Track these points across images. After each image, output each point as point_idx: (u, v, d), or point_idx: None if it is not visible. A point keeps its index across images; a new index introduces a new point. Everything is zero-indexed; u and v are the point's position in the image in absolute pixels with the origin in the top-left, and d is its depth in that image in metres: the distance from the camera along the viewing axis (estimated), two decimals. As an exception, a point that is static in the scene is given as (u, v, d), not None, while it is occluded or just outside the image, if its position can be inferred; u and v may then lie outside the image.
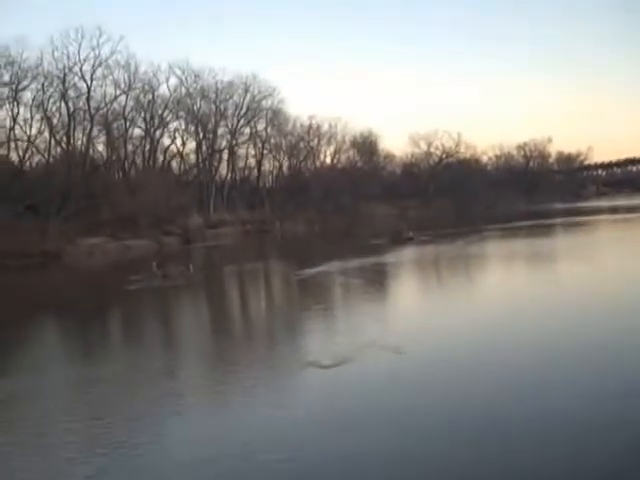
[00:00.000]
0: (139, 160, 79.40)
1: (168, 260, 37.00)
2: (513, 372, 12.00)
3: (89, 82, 69.07)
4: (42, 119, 65.85)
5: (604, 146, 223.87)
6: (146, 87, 76.54)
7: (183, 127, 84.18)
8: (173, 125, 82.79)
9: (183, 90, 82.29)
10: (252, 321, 21.77)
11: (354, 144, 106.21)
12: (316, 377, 12.40)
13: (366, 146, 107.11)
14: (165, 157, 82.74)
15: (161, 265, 32.76)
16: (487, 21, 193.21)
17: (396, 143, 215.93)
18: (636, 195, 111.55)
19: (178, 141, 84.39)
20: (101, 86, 71.04)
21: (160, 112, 79.08)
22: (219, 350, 15.95)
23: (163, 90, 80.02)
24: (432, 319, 17.60)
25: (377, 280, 28.36)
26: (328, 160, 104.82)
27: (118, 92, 72.91)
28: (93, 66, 69.03)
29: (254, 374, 12.99)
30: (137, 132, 78.37)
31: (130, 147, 77.32)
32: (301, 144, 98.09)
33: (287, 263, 40.74)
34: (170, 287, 28.40)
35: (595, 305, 18.23)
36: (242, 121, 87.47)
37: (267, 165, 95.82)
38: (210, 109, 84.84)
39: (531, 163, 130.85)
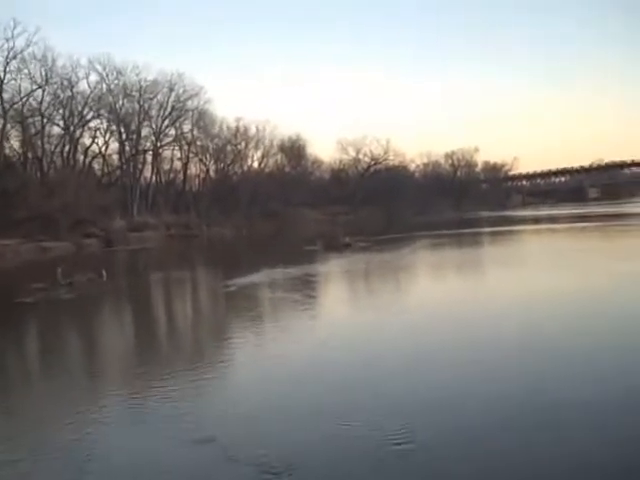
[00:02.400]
0: (58, 160, 75.40)
1: (80, 265, 33.31)
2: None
3: (2, 75, 65.75)
4: (-49, 112, 61.78)
5: (529, 157, 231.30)
6: (64, 82, 72.86)
7: (105, 126, 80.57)
8: (94, 124, 79.08)
9: (104, 87, 78.82)
10: (162, 357, 14.76)
11: (282, 148, 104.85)
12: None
13: (294, 151, 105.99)
14: (86, 157, 78.76)
15: (68, 272, 28.22)
16: (415, 26, 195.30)
17: (325, 149, 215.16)
18: (558, 205, 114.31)
19: (100, 141, 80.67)
20: (15, 79, 67.71)
21: (80, 109, 75.48)
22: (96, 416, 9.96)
23: (84, 87, 76.51)
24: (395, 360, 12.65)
25: (321, 297, 23.65)
26: (256, 164, 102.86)
27: (34, 87, 69.32)
28: (7, 58, 65.66)
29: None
30: (57, 130, 74.77)
31: (48, 145, 73.40)
32: (228, 147, 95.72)
33: (214, 271, 36.89)
34: (74, 299, 24.05)
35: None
36: (167, 122, 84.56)
37: (193, 169, 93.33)
38: (133, 108, 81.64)
39: (458, 172, 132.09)
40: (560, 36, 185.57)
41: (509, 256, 34.28)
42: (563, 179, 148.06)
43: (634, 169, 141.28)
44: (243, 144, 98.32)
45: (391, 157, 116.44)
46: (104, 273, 29.24)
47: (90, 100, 76.40)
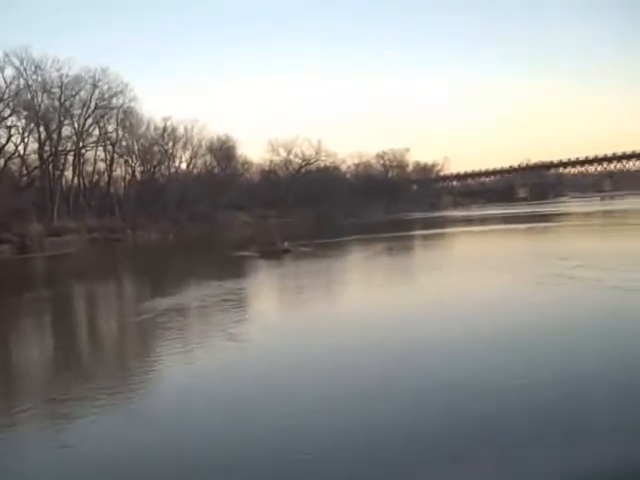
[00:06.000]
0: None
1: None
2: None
3: None
4: None
5: (460, 157, 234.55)
6: (-22, 78, 68.63)
7: (23, 124, 76.08)
8: (10, 122, 74.53)
9: (22, 82, 74.39)
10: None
11: (211, 149, 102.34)
12: None
13: (223, 151, 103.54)
14: (0, 157, 74.19)
15: None
16: (342, 25, 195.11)
17: (255, 150, 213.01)
18: (488, 206, 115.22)
19: (17, 140, 76.12)
20: None
21: (-5, 106, 71.17)
22: None
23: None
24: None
25: (266, 331, 16.45)
26: (184, 165, 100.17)
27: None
28: None
29: None
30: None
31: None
32: (155, 148, 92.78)
33: (131, 286, 32.40)
34: None
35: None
36: (90, 120, 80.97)
37: (118, 170, 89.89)
38: (54, 106, 77.43)
39: (390, 172, 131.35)
40: (486, 33, 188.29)
41: (448, 263, 32.32)
42: (493, 179, 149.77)
43: (561, 170, 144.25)
44: (170, 144, 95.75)
45: (323, 157, 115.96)
46: None
47: (6, 96, 72.31)
